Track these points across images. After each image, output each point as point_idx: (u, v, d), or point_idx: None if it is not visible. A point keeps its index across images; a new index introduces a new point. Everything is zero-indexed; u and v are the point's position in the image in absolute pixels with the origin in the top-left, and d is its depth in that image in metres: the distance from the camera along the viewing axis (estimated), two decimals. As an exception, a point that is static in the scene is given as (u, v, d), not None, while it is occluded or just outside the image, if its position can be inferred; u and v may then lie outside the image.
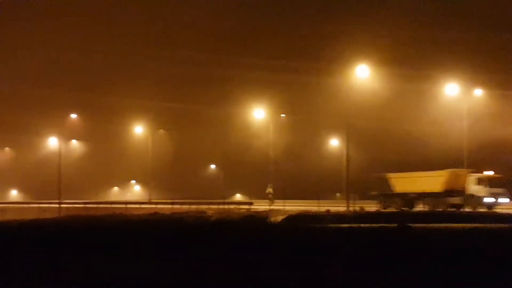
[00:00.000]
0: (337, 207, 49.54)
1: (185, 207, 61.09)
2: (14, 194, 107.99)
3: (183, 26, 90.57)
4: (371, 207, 47.15)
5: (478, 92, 60.87)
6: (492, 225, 34.03)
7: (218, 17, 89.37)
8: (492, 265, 18.01)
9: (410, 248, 22.44)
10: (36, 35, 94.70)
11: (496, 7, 72.59)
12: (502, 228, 32.45)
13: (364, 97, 54.64)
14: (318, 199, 52.40)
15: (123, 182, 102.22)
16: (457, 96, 59.31)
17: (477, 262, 18.58)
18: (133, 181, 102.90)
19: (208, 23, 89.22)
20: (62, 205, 69.59)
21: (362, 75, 50.92)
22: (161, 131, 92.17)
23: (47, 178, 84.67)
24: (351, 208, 48.15)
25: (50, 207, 72.49)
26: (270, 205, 56.12)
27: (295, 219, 40.08)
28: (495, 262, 18.55)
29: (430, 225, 34.11)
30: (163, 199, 72.93)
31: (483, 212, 44.08)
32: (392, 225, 32.53)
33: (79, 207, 70.28)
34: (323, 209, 47.64)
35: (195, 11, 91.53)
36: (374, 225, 33.63)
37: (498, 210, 45.03)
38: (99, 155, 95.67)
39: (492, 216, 40.83)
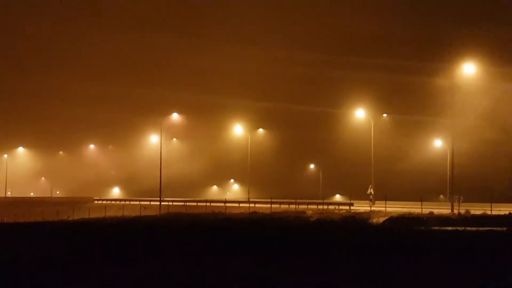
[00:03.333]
0: (441, 209, 48.17)
1: (284, 206, 61.20)
2: (116, 191, 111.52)
3: (286, 27, 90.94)
4: (477, 209, 45.44)
5: None
6: None
7: (321, 18, 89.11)
8: None
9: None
10: (140, 35, 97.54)
11: None
12: None
13: (470, 96, 52.95)
14: (421, 200, 51.07)
15: (222, 181, 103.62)
16: None
17: None
18: (232, 180, 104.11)
19: (312, 24, 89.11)
20: (163, 203, 71.20)
21: (469, 73, 49.31)
22: (260, 130, 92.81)
23: (148, 176, 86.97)
24: (455, 211, 46.69)
25: (151, 204, 74.39)
26: (371, 206, 55.33)
27: (397, 221, 39.28)
28: None
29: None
30: (261, 198, 73.28)
31: None
32: (500, 228, 31.30)
33: (179, 205, 71.67)
34: (426, 211, 46.48)
35: (299, 11, 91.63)
36: (481, 228, 32.40)
37: None
38: (199, 153, 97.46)
39: None
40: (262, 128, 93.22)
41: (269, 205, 62.25)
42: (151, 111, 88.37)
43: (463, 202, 49.63)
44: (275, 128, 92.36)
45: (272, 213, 51.91)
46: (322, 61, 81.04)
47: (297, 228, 32.79)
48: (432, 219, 39.84)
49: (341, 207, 57.67)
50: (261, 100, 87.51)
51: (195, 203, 73.32)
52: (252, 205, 66.14)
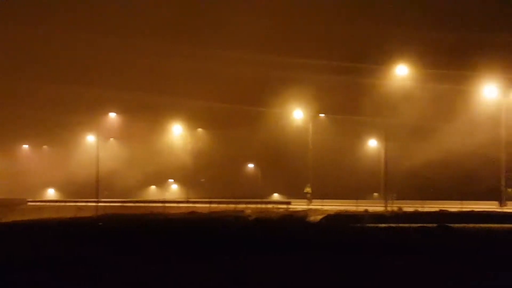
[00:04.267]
0: (375, 207, 49.64)
1: (223, 206, 61.53)
2: (51, 193, 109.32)
3: (225, 27, 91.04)
4: (410, 207, 47.05)
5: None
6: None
7: (259, 19, 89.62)
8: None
9: (449, 248, 22.51)
10: (77, 32, 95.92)
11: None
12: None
13: (403, 97, 54.58)
14: (356, 199, 52.50)
15: (161, 181, 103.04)
16: (496, 97, 58.91)
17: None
18: (170, 180, 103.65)
19: (251, 24, 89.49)
20: (100, 204, 70.45)
21: (402, 74, 50.99)
22: (200, 130, 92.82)
23: (85, 177, 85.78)
24: (389, 208, 48.20)
25: (87, 205, 73.45)
26: (308, 205, 56.41)
27: (333, 219, 40.28)
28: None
29: (470, 225, 34.01)
30: (200, 198, 73.38)
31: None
32: (431, 225, 32.54)
33: (116, 206, 71.03)
34: (361, 209, 47.81)
35: (238, 11, 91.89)
36: (413, 225, 33.65)
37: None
38: (137, 153, 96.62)
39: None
40: (201, 128, 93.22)
41: (208, 205, 62.50)
42: (88, 111, 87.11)
43: (396, 199, 51.26)
44: (214, 128, 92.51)
45: (211, 213, 52.24)
46: (261, 61, 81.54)
47: (236, 227, 33.26)
48: (367, 216, 41.05)
49: (279, 206, 58.50)
50: (200, 99, 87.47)
51: (133, 204, 72.82)
52: (191, 205, 66.21)
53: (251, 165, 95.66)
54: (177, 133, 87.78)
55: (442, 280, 16.08)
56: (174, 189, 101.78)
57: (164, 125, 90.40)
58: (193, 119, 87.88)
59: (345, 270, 17.64)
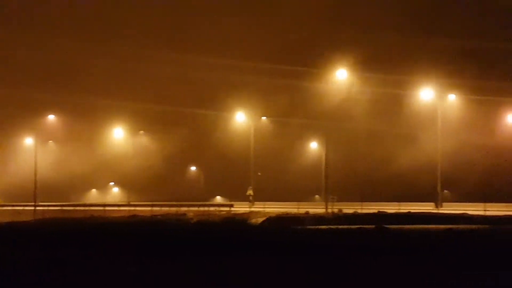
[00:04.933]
0: (316, 209, 50.33)
1: (165, 209, 61.12)
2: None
3: (166, 26, 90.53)
4: (349, 209, 47.93)
5: (452, 97, 62.06)
6: (463, 226, 34.97)
7: (201, 18, 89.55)
8: (467, 263, 18.70)
9: (387, 249, 23.04)
10: (14, 34, 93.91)
11: (472, 14, 73.75)
12: (472, 228, 33.37)
13: (343, 101, 55.52)
14: (298, 201, 53.11)
15: (101, 185, 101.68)
16: (431, 100, 60.36)
17: (451, 261, 19.22)
18: (111, 183, 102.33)
19: (191, 24, 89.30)
20: (38, 208, 68.99)
21: (342, 78, 51.92)
22: (141, 132, 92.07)
23: (22, 180, 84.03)
24: (329, 210, 48.93)
25: (25, 209, 71.82)
26: (250, 207, 56.72)
27: (275, 221, 40.68)
28: (468, 260, 19.24)
29: (406, 226, 34.89)
30: (143, 201, 72.71)
31: (456, 214, 44.96)
32: (369, 226, 33.25)
33: (55, 210, 69.70)
34: (302, 211, 48.39)
35: (179, 10, 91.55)
36: (352, 226, 34.33)
37: (469, 211, 45.81)
38: (76, 157, 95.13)
39: (463, 217, 41.79)
40: (143, 130, 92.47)
41: (150, 208, 62.02)
42: (26, 113, 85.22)
43: (336, 201, 52.09)
44: (156, 130, 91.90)
45: (152, 216, 51.94)
46: (204, 63, 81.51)
47: (178, 230, 33.22)
48: (308, 218, 41.64)
49: (221, 208, 58.61)
50: (141, 101, 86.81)
51: (73, 207, 71.56)
52: (132, 208, 65.56)
53: (193, 168, 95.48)
54: (118, 136, 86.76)
55: (379, 280, 16.44)
56: (115, 192, 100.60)
57: (105, 127, 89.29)
58: (135, 121, 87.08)
59: (284, 271, 17.85)
